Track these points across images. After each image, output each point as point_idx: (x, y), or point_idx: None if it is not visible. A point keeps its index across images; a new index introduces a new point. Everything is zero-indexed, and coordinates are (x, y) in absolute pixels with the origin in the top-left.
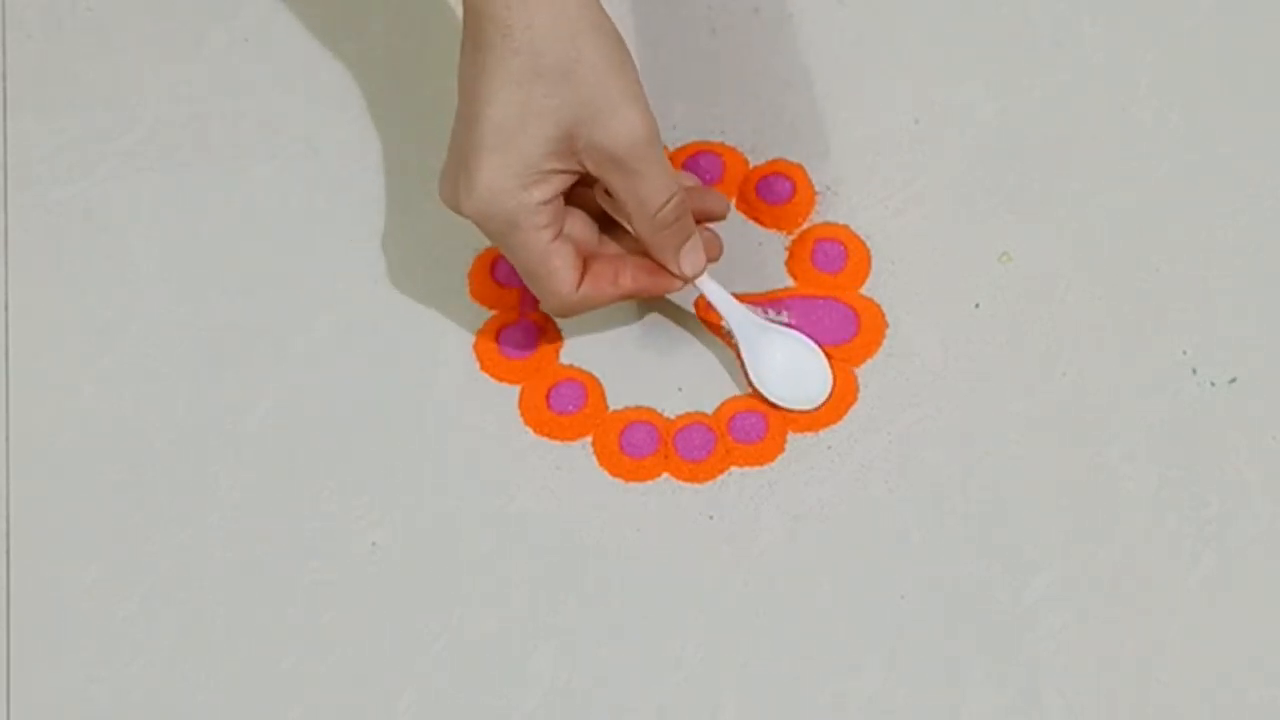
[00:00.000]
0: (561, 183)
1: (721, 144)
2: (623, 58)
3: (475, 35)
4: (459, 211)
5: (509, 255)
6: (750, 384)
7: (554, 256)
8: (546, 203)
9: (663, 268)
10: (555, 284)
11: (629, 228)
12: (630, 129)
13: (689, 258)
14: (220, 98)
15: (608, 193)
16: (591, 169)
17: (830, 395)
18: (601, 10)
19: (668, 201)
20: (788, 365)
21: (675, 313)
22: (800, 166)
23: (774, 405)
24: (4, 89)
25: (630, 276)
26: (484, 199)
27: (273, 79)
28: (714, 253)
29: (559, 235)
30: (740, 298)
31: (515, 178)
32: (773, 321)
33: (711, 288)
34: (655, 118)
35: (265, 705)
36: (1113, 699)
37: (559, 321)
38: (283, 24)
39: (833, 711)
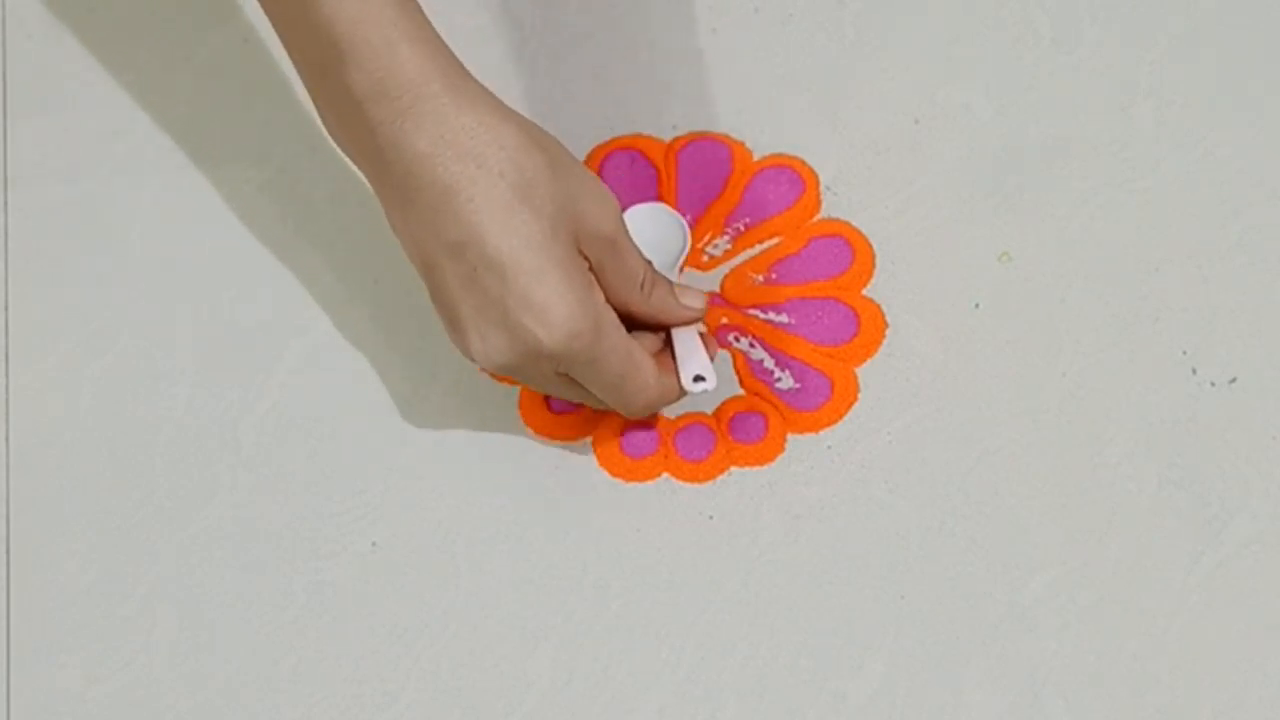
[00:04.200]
0: None
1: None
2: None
3: (424, 187)
4: (540, 352)
5: (595, 371)
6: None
7: (635, 348)
8: (605, 301)
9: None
10: (647, 373)
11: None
12: (613, 207)
13: (688, 296)
14: (220, 98)
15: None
16: (590, 259)
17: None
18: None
19: (647, 264)
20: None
21: None
22: (809, 165)
23: None
24: (4, 89)
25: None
26: (568, 318)
27: (273, 79)
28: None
29: None
30: (740, 299)
31: (579, 287)
32: (771, 323)
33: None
34: None
35: (265, 705)
36: (1113, 699)
37: None
38: None
39: (833, 711)
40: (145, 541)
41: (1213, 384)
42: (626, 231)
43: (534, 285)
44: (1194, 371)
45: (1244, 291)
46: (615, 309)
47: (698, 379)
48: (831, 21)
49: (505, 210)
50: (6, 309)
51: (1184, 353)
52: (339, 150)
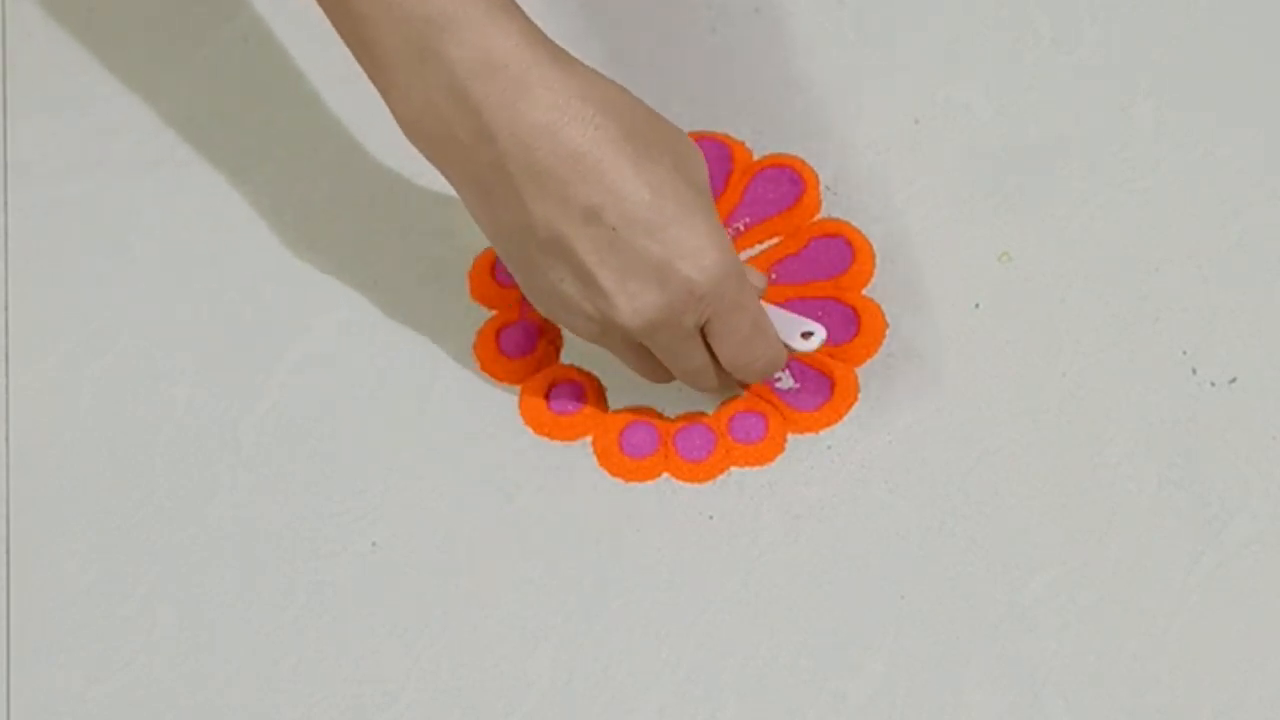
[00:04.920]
0: None
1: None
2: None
3: (547, 159)
4: (694, 294)
5: (738, 317)
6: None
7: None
8: None
9: None
10: (774, 332)
11: None
12: (700, 152)
13: (751, 275)
14: (220, 98)
15: None
16: None
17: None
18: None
19: None
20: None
21: None
22: (809, 165)
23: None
24: (4, 89)
25: None
26: (721, 259)
27: (273, 79)
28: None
29: None
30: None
31: (719, 229)
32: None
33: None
34: None
35: (265, 705)
36: (1113, 699)
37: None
38: (283, 24)
39: (833, 711)
40: (145, 541)
41: (1213, 384)
42: None
43: (684, 232)
44: (1194, 371)
45: (1244, 291)
46: None
47: (806, 335)
48: (831, 21)
49: (634, 165)
50: (6, 309)
51: (1184, 353)
52: (418, 151)
